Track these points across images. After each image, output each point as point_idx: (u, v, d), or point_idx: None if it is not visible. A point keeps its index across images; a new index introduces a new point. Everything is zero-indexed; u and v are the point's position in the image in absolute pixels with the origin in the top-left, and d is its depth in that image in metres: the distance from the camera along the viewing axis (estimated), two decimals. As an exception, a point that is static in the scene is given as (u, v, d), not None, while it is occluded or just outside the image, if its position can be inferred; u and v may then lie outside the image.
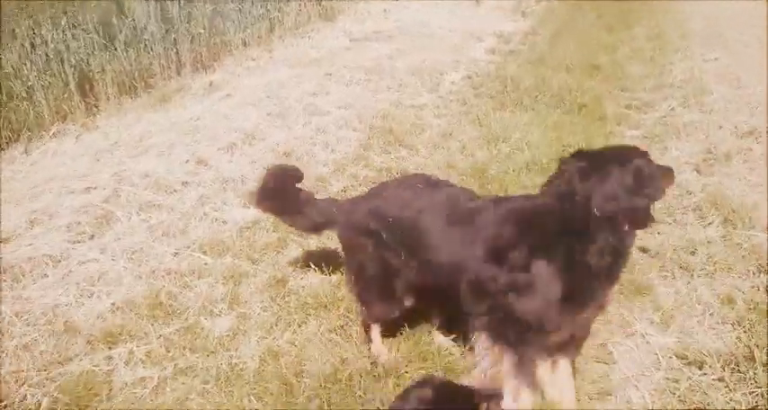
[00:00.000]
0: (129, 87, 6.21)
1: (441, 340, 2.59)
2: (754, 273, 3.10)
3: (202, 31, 7.46)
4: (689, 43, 7.75)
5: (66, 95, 5.34)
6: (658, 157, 4.57)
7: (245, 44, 8.18)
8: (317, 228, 2.67)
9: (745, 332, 2.63)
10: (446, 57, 7.42)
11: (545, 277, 2.06)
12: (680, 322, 2.80)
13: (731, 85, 5.91)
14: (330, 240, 3.42)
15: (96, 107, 5.58)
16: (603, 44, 8.01)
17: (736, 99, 5.51)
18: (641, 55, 7.40)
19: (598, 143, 4.93)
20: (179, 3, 7.29)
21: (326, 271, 3.11)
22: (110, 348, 2.53)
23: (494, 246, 2.16)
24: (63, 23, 5.67)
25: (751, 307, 2.83)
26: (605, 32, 8.76)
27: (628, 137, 5.12)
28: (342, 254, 2.68)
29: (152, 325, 2.61)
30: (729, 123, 4.95)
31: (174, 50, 7.00)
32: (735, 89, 5.80)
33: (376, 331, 2.54)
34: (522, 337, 2.11)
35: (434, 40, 8.39)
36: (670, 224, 3.69)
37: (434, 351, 2.49)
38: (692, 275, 3.14)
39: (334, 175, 4.31)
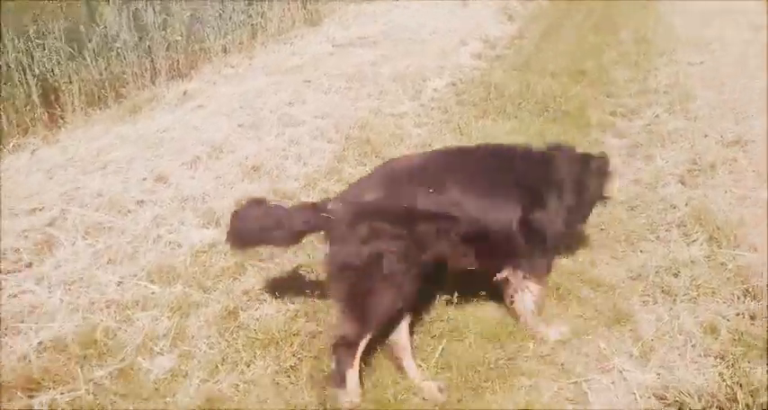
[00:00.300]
0: (99, 97, 5.99)
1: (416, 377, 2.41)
2: (738, 298, 2.92)
3: (179, 37, 7.26)
4: (675, 46, 7.61)
5: (28, 107, 5.13)
6: (642, 167, 4.48)
7: (225, 51, 7.97)
8: (297, 238, 2.52)
9: (727, 367, 2.44)
10: (431, 63, 7.24)
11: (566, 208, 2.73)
12: (660, 355, 2.61)
13: (716, 91, 5.76)
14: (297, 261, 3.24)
15: (62, 119, 5.37)
16: (590, 48, 7.87)
17: (720, 105, 5.36)
18: (627, 59, 7.24)
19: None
20: (154, 9, 7.08)
21: (284, 301, 2.91)
22: (30, 396, 2.26)
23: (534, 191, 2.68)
24: (31, 32, 5.46)
25: (735, 337, 2.65)
26: (592, 35, 8.62)
27: (612, 145, 4.95)
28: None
29: (82, 367, 2.37)
30: (714, 131, 4.79)
31: (149, 58, 6.81)
32: (720, 95, 5.65)
33: (357, 357, 2.29)
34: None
35: (420, 45, 8.20)
36: (653, 241, 3.52)
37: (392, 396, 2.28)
38: (674, 300, 2.96)
39: (303, 190, 4.11)
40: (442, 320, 2.77)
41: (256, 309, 2.87)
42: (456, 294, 2.77)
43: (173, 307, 2.78)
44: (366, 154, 4.75)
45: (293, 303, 2.89)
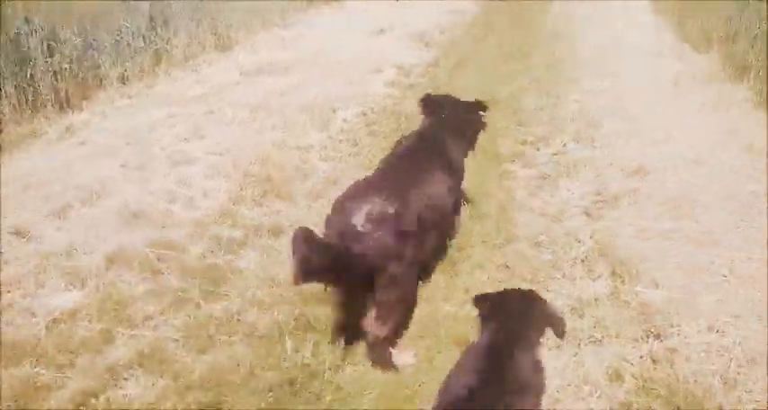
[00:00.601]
0: (-33, 134, 5.34)
1: None
2: (642, 339, 2.84)
3: (67, 65, 6.66)
4: (582, 72, 7.83)
5: None
6: (549, 199, 4.43)
7: (123, 79, 7.42)
8: None
9: (630, 422, 2.31)
10: (342, 92, 7.05)
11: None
12: (566, 408, 2.46)
13: (620, 118, 5.90)
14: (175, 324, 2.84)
15: None
16: (503, 75, 7.97)
17: (624, 133, 5.46)
18: (538, 86, 7.36)
19: (491, 184, 4.70)
20: (38, 35, 6.47)
21: (154, 375, 2.52)
22: None
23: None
24: None
25: (639, 384, 2.54)
26: (505, 62, 8.76)
27: (521, 176, 4.90)
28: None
29: None
30: (618, 160, 4.84)
31: (31, 89, 6.18)
32: (624, 122, 5.78)
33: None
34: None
35: (332, 72, 8.01)
36: (559, 279, 3.41)
37: None
38: (578, 345, 2.83)
39: (190, 239, 3.71)
40: (331, 385, 2.48)
41: (120, 388, 2.46)
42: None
43: (16, 394, 2.32)
44: (266, 193, 4.42)
45: (162, 377, 2.51)
